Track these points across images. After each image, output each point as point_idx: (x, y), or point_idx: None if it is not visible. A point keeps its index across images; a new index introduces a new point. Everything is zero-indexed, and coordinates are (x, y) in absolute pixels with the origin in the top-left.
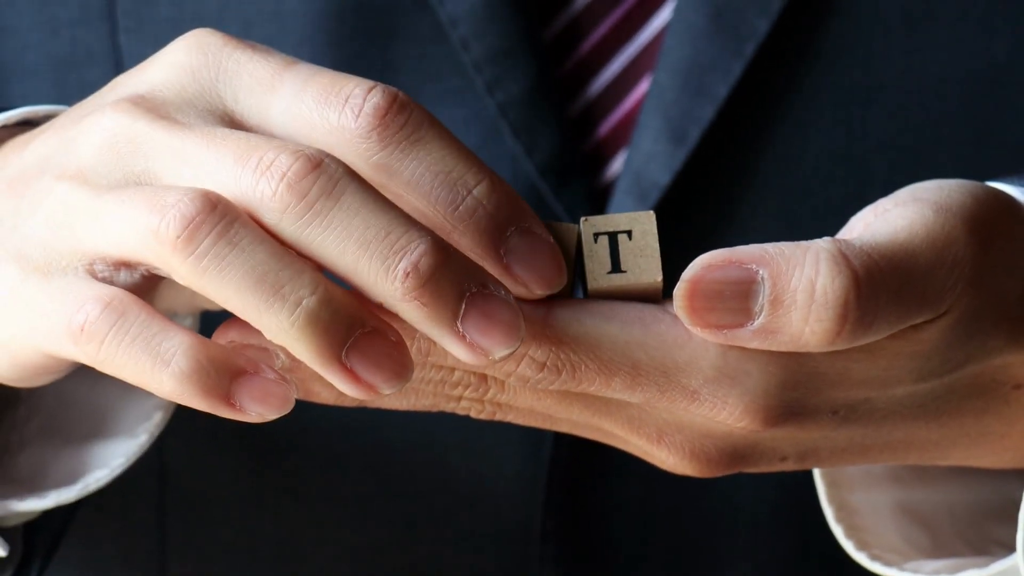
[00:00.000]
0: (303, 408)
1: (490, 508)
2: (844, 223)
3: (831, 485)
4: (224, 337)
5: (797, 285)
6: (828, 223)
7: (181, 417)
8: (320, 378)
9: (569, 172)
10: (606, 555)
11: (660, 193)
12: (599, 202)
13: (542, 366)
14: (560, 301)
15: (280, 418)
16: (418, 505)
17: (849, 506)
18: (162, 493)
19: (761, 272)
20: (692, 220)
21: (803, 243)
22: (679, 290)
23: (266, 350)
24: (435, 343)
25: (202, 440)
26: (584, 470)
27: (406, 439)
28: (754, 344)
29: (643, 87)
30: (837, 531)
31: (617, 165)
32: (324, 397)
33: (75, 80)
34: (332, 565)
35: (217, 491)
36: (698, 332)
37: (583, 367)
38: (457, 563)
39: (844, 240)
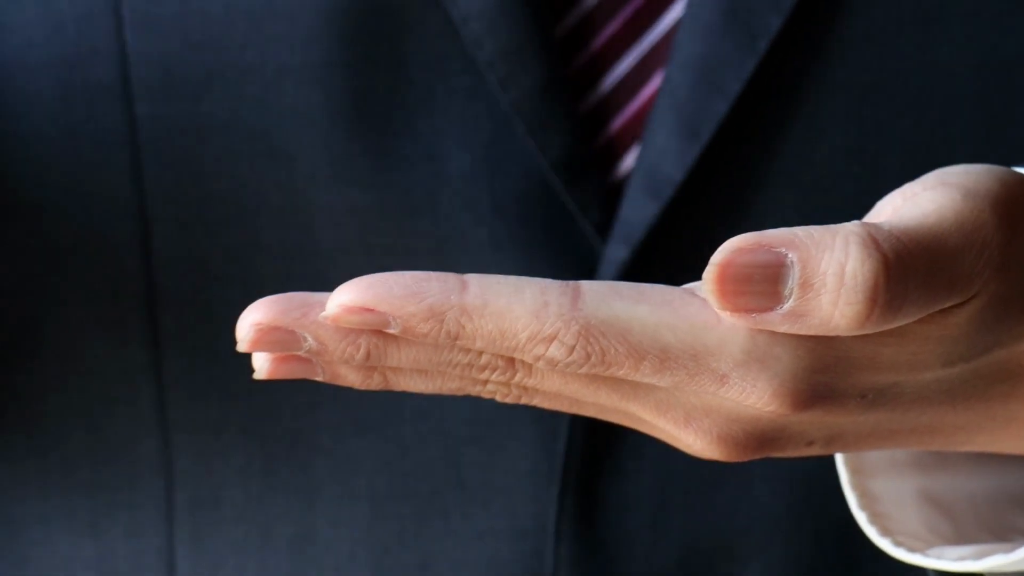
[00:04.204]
0: (314, 405)
1: (504, 504)
2: (857, 219)
3: (854, 472)
4: (249, 319)
5: (827, 268)
6: (842, 218)
7: (189, 415)
8: (346, 362)
9: (582, 168)
10: (620, 551)
11: (673, 189)
12: (612, 198)
13: (571, 349)
14: (588, 283)
15: (291, 415)
16: (431, 502)
17: (872, 493)
18: (170, 491)
19: (790, 255)
20: (706, 216)
21: (832, 226)
22: (708, 273)
23: (293, 333)
24: (464, 327)
25: (211, 438)
26: (598, 466)
27: (419, 435)
28: (783, 328)
29: (655, 83)
30: (860, 517)
31: (629, 161)
32: (351, 380)
33: (80, 78)
34: (344, 562)
35: (227, 489)
36: (727, 316)
37: (612, 351)
38: (471, 559)
39: (873, 224)
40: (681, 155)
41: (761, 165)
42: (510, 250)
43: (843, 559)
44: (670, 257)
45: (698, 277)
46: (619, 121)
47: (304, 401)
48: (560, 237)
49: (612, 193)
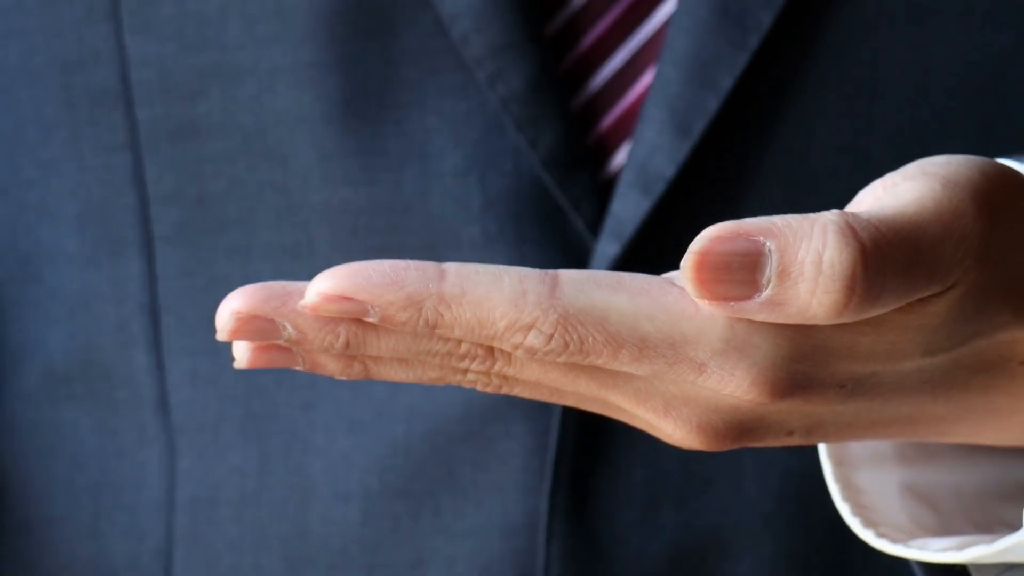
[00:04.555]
0: (309, 405)
1: (496, 501)
2: None
3: (837, 464)
4: (229, 308)
5: (804, 257)
6: None
7: (190, 416)
8: (326, 351)
9: (573, 165)
10: (611, 547)
11: (665, 185)
12: (604, 194)
13: (549, 338)
14: (567, 272)
15: (287, 415)
16: (423, 500)
17: (855, 485)
18: (171, 492)
19: (768, 244)
20: (697, 212)
21: (810, 215)
22: (686, 262)
23: (272, 322)
24: (442, 315)
25: (210, 438)
26: (589, 462)
27: (411, 434)
28: (761, 316)
29: (647, 79)
30: (843, 509)
31: (621, 157)
32: (330, 369)
33: (81, 81)
34: (337, 561)
35: (223, 490)
36: (705, 304)
37: (590, 339)
38: (463, 557)
39: (852, 213)
40: (672, 151)
41: (753, 161)
42: (502, 247)
43: (834, 554)
44: (662, 253)
45: None
46: (610, 117)
47: (300, 401)
48: (552, 233)
49: (604, 189)
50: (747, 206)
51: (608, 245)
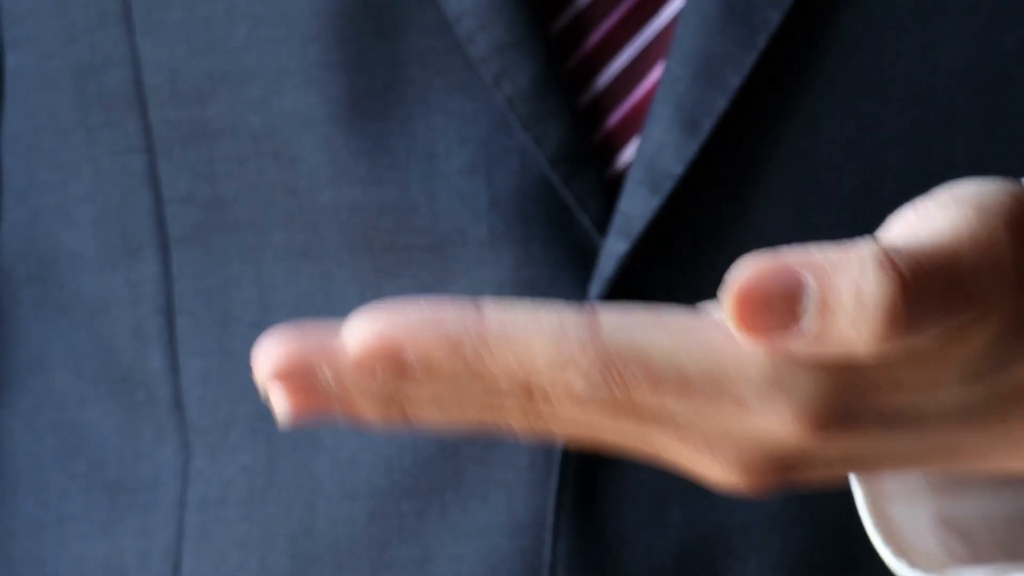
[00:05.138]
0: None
1: (502, 499)
2: (856, 215)
3: (870, 494)
4: (266, 353)
5: (844, 289)
6: (840, 214)
7: (203, 415)
8: (363, 394)
9: (580, 162)
10: (618, 545)
11: (673, 183)
12: (610, 192)
13: (589, 375)
14: (604, 308)
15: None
16: (429, 499)
17: (887, 515)
18: (184, 492)
19: (808, 277)
20: (705, 210)
21: (848, 246)
22: (724, 295)
23: (309, 368)
24: (482, 355)
25: (221, 438)
26: (596, 460)
27: (418, 433)
28: (802, 350)
29: (653, 77)
30: (875, 537)
31: (627, 155)
32: (367, 412)
33: (95, 85)
34: (344, 559)
35: (233, 488)
36: (745, 339)
37: (630, 376)
38: (470, 554)
39: (889, 244)
40: (681, 149)
41: (760, 159)
42: (509, 245)
43: (841, 553)
44: (670, 251)
45: (698, 271)
46: (617, 115)
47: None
48: (559, 231)
49: (610, 187)
50: (755, 204)
51: (616, 243)
